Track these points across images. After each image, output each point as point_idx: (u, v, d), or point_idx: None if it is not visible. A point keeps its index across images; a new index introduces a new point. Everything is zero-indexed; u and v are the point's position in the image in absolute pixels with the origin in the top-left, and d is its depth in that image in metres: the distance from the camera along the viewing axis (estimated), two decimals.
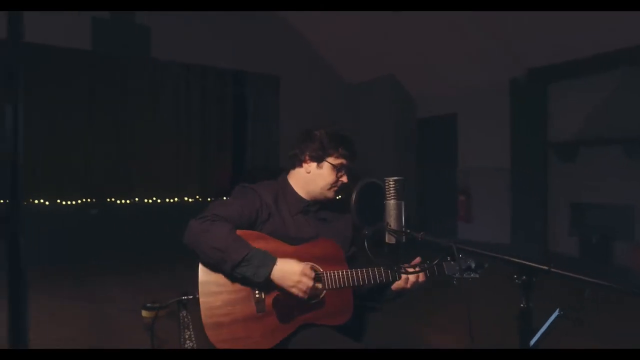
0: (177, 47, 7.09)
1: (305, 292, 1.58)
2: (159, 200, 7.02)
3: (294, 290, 1.57)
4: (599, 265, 5.66)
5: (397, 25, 6.70)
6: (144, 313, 3.65)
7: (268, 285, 1.58)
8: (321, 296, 1.66)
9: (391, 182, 1.49)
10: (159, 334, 2.05)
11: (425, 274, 1.77)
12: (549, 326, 1.43)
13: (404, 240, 1.47)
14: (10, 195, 1.00)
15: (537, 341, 1.45)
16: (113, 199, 6.72)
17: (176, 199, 7.19)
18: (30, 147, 6.19)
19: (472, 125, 7.42)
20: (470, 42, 6.59)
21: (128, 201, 6.81)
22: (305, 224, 1.83)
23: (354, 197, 1.65)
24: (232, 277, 1.58)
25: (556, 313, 1.54)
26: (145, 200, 6.93)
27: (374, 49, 7.67)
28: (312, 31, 8.21)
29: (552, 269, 1.14)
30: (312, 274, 1.61)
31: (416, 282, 1.76)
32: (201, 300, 1.56)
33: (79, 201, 6.47)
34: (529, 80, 6.54)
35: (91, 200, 6.57)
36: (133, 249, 6.01)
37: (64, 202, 6.37)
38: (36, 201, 6.16)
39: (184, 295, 1.68)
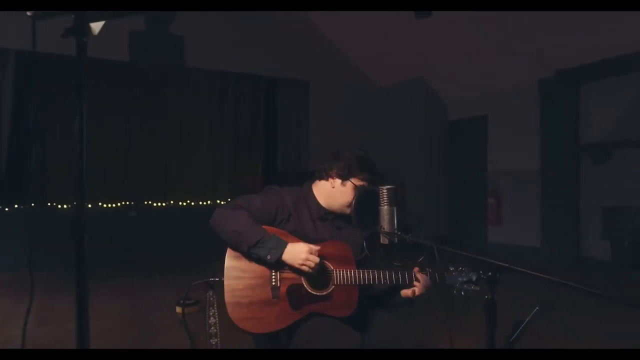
0: (210, 55, 7.39)
1: (312, 268, 1.77)
2: (192, 203, 7.33)
3: (303, 268, 1.77)
4: (631, 270, 5.54)
5: (426, 28, 6.75)
6: (178, 309, 3.90)
7: (280, 265, 1.79)
8: (330, 290, 1.83)
9: (384, 190, 1.67)
10: (191, 328, 2.25)
11: (432, 281, 1.90)
12: (528, 321, 1.54)
13: (396, 241, 1.64)
14: (77, 198, 1.20)
15: (517, 335, 1.56)
16: (150, 202, 7.07)
17: (209, 202, 7.47)
18: (74, 153, 6.58)
19: (502, 127, 7.38)
20: (499, 43, 6.58)
21: (164, 204, 7.14)
22: (322, 228, 2.02)
23: (353, 203, 1.81)
24: (248, 256, 1.79)
25: (536, 309, 1.64)
26: (180, 203, 7.25)
27: (404, 52, 7.73)
28: (342, 36, 8.36)
29: (512, 267, 1.28)
30: (317, 257, 1.79)
31: (427, 286, 1.90)
32: (225, 282, 1.79)
33: (119, 204, 6.84)
34: (559, 81, 6.46)
35: (130, 203, 6.93)
36: (168, 250, 6.33)
37: (105, 205, 6.75)
38: None
39: (212, 278, 1.93)
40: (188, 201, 7.34)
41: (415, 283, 1.88)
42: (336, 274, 1.84)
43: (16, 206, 6.12)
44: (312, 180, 2.10)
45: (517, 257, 6.87)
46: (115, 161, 7.04)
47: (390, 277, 1.87)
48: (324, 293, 1.84)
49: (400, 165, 8.54)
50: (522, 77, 6.79)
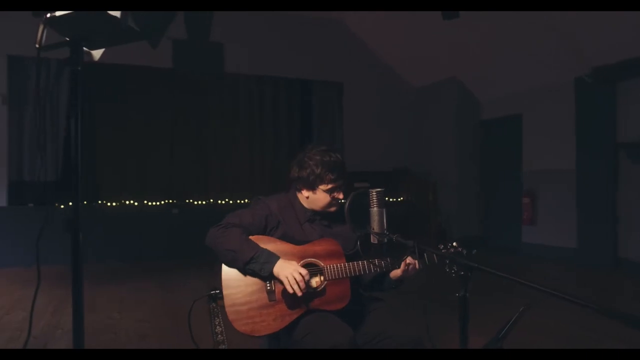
0: (248, 61, 7.73)
1: (292, 285, 1.86)
2: (231, 202, 7.69)
3: (286, 283, 1.87)
4: None
5: (459, 27, 6.75)
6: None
7: (273, 277, 1.92)
8: (323, 286, 1.96)
9: (374, 193, 1.76)
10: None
11: (418, 263, 2.00)
12: (514, 320, 1.65)
13: (385, 241, 1.74)
14: (73, 197, 1.45)
15: (504, 333, 1.67)
16: (191, 200, 7.49)
17: (247, 200, 7.81)
18: (123, 155, 7.17)
19: (537, 126, 7.27)
20: (533, 41, 6.50)
21: (204, 202, 7.55)
22: (311, 230, 2.14)
23: (346, 205, 1.96)
24: (244, 272, 1.95)
25: (521, 309, 1.75)
26: (219, 202, 7.63)
27: (437, 52, 7.77)
28: (375, 38, 8.49)
29: (479, 267, 1.39)
30: (305, 272, 1.90)
31: (412, 270, 2.01)
32: (224, 292, 1.94)
33: (163, 202, 7.31)
34: (595, 79, 6.31)
35: (173, 201, 7.38)
36: (206, 245, 6.69)
37: (150, 203, 7.23)
38: (126, 202, 7.06)
39: (212, 290, 2.06)
40: (227, 199, 7.71)
41: (403, 265, 1.98)
42: (327, 269, 1.96)
43: (70, 204, 6.67)
44: (296, 187, 2.19)
45: (551, 257, 6.78)
46: (161, 162, 7.54)
47: (379, 264, 1.97)
48: (318, 289, 1.95)
49: (434, 166, 8.57)
50: (557, 75, 6.68)
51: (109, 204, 7.01)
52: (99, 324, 3.95)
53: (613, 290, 5.31)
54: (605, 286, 5.45)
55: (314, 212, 2.16)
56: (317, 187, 2.08)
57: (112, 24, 1.31)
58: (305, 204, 2.17)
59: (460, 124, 8.28)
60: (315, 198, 2.11)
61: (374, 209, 1.77)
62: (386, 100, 8.77)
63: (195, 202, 7.52)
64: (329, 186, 2.07)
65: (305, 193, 2.13)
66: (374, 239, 1.76)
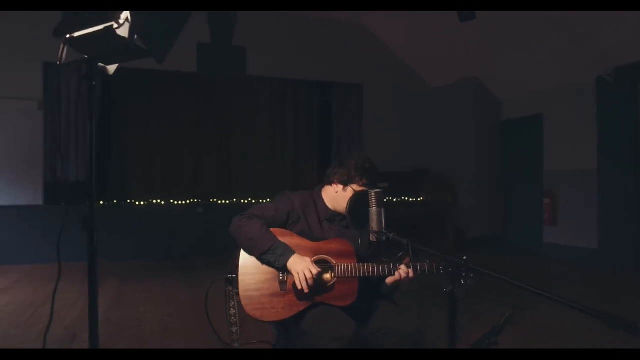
0: (269, 64, 7.93)
1: (301, 281, 2.00)
2: (254, 201, 7.90)
3: (296, 278, 2.01)
4: None
5: (479, 27, 6.76)
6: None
7: (286, 270, 2.07)
8: (332, 282, 2.09)
9: (372, 194, 1.88)
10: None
11: (415, 271, 2.09)
12: (504, 321, 1.75)
13: (384, 239, 1.86)
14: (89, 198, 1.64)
15: (493, 333, 1.77)
16: (215, 200, 7.75)
17: (269, 199, 7.99)
18: (151, 156, 7.49)
19: (558, 125, 7.22)
20: (554, 40, 6.47)
21: (228, 201, 7.78)
22: (329, 229, 2.27)
23: (348, 205, 2.08)
24: (260, 260, 2.10)
25: (507, 313, 1.85)
26: (242, 201, 7.85)
27: (457, 52, 7.78)
28: (394, 38, 8.55)
29: (469, 265, 1.52)
30: (317, 270, 2.03)
31: (407, 278, 2.09)
32: (240, 278, 2.10)
33: (188, 201, 7.58)
34: (617, 78, 6.24)
35: (198, 200, 7.65)
36: (232, 244, 6.92)
37: (176, 202, 7.51)
38: (154, 201, 7.37)
39: (229, 275, 2.23)
40: (249, 199, 7.93)
41: (397, 274, 2.07)
42: (337, 267, 2.07)
43: (101, 202, 7.04)
44: (322, 185, 2.35)
45: (573, 258, 6.73)
46: (187, 163, 7.82)
47: (388, 268, 2.07)
48: (327, 285, 2.07)
49: (454, 165, 8.58)
50: (579, 74, 6.62)
51: (137, 203, 7.32)
52: (125, 317, 4.20)
53: (634, 291, 5.26)
54: (626, 287, 5.40)
55: (335, 213, 2.29)
56: (350, 184, 2.22)
57: (122, 43, 1.47)
58: (329, 202, 2.29)
59: (480, 124, 8.27)
60: (343, 195, 2.23)
61: (373, 209, 1.88)
62: (405, 101, 8.83)
63: (219, 202, 7.76)
64: (360, 188, 2.21)
65: (336, 187, 2.26)
66: (372, 237, 1.88)
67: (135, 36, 1.47)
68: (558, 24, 6.13)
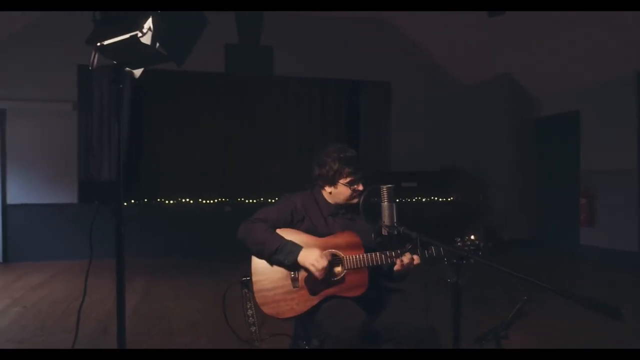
0: (296, 63, 7.94)
1: (318, 270, 2.04)
2: None
3: (312, 269, 2.05)
4: None
5: (512, 23, 6.59)
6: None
7: (297, 266, 2.10)
8: (342, 275, 2.13)
9: (384, 189, 1.93)
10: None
11: (422, 257, 2.13)
12: (516, 311, 1.70)
13: (395, 233, 1.89)
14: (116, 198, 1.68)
15: (507, 323, 1.72)
16: (243, 199, 7.81)
17: None
18: (181, 156, 7.63)
19: (596, 123, 6.95)
20: (592, 35, 6.23)
21: (255, 200, 7.83)
22: (333, 223, 2.30)
23: (361, 200, 2.08)
24: (270, 262, 2.14)
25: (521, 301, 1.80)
26: (269, 200, 7.87)
27: (489, 48, 7.61)
28: (423, 35, 8.42)
29: (470, 256, 1.48)
30: (326, 259, 2.06)
31: (411, 264, 2.12)
32: (253, 279, 2.16)
33: (216, 200, 7.67)
34: None
35: (225, 199, 7.73)
36: None
37: (204, 201, 7.61)
38: (183, 200, 7.48)
39: (244, 277, 2.27)
40: (276, 198, 7.95)
41: (399, 262, 2.10)
42: (346, 259, 2.12)
43: (132, 201, 7.22)
44: (319, 187, 2.36)
45: (611, 261, 6.46)
46: (215, 162, 7.93)
47: (395, 255, 2.10)
48: (337, 277, 2.12)
49: (485, 165, 8.39)
50: (617, 69, 6.36)
51: (167, 202, 7.46)
52: (153, 312, 4.28)
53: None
54: None
55: (338, 206, 2.32)
56: (337, 181, 2.25)
57: (145, 50, 1.62)
58: (329, 199, 2.33)
59: (514, 122, 8.05)
60: (337, 192, 2.28)
61: (385, 204, 1.93)
62: (435, 99, 8.68)
63: (247, 201, 7.81)
64: (348, 179, 2.24)
65: (327, 189, 2.30)
66: (384, 231, 1.93)
67: (157, 43, 1.61)
68: (596, 18, 5.89)
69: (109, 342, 3.45)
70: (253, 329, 2.36)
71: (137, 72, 1.86)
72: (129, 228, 6.80)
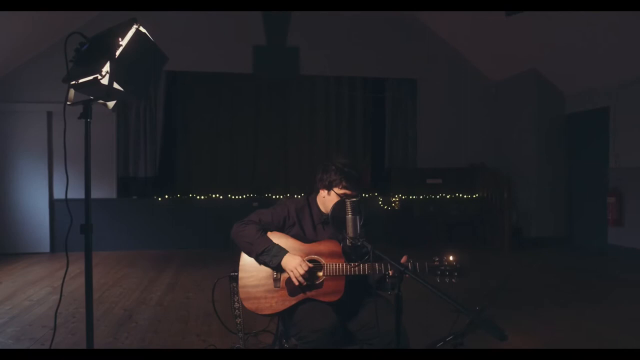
0: (323, 62, 8.12)
1: (296, 276, 2.22)
2: None
3: (291, 274, 2.24)
4: None
5: (540, 18, 6.50)
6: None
7: (280, 268, 2.29)
8: (321, 280, 2.29)
9: (348, 203, 2.12)
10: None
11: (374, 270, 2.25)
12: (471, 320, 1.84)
13: (358, 244, 2.09)
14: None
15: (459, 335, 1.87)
16: (270, 194, 8.12)
17: None
18: (212, 153, 8.01)
19: (626, 120, 6.75)
20: (619, 30, 6.07)
21: (281, 196, 8.12)
22: (322, 231, 2.47)
23: (330, 212, 2.25)
24: (257, 261, 2.34)
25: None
26: (296, 196, 8.14)
27: (517, 44, 7.51)
28: (450, 32, 8.39)
29: (406, 271, 1.70)
30: (307, 266, 2.23)
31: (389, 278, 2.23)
32: (240, 276, 2.36)
33: (245, 196, 8.01)
34: None
35: (254, 195, 8.06)
36: None
37: (234, 197, 7.97)
38: (214, 196, 7.88)
39: (232, 272, 2.52)
40: (303, 194, 8.21)
41: (391, 272, 2.21)
42: (326, 266, 2.27)
43: (166, 196, 7.69)
44: (316, 191, 2.52)
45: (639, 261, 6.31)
46: (245, 160, 8.28)
47: (372, 268, 2.22)
48: (317, 282, 2.27)
49: (512, 162, 8.30)
50: None
51: (198, 197, 7.88)
52: (175, 301, 4.63)
53: None
54: None
55: (327, 216, 2.45)
56: (332, 188, 2.39)
57: (105, 88, 1.92)
58: (322, 206, 2.48)
59: (541, 118, 7.91)
60: (329, 199, 2.41)
61: (349, 217, 2.10)
62: (461, 95, 8.65)
63: (274, 197, 8.11)
64: (342, 191, 2.37)
65: (322, 193, 2.45)
66: (348, 242, 2.12)
67: (114, 83, 1.91)
68: (625, 13, 5.73)
69: (132, 329, 3.79)
70: (238, 320, 2.62)
71: (110, 104, 2.16)
72: (164, 221, 7.48)
